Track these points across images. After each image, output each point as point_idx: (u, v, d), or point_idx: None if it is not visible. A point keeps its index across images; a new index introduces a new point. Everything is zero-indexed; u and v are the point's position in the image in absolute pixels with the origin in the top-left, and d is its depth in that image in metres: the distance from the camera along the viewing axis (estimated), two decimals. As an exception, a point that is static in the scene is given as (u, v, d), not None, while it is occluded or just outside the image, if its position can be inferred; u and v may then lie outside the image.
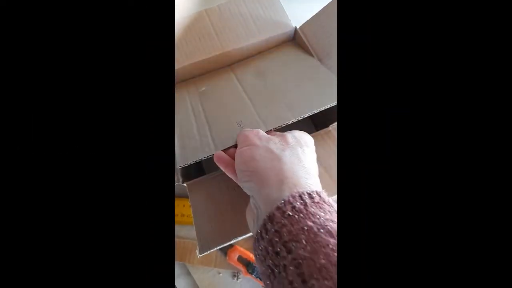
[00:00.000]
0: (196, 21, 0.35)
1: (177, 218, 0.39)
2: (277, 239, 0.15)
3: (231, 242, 0.23)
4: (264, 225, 0.16)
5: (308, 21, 0.35)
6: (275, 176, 0.18)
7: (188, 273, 0.39)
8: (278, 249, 0.15)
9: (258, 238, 0.16)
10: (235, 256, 0.36)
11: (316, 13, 0.34)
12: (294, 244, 0.14)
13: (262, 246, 0.16)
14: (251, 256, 0.36)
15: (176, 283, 0.38)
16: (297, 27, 0.35)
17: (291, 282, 0.14)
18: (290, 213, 0.15)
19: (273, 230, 0.15)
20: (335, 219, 0.15)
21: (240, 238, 0.24)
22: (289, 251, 0.14)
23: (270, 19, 0.35)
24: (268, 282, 0.15)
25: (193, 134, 0.30)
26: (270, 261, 0.15)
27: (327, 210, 0.16)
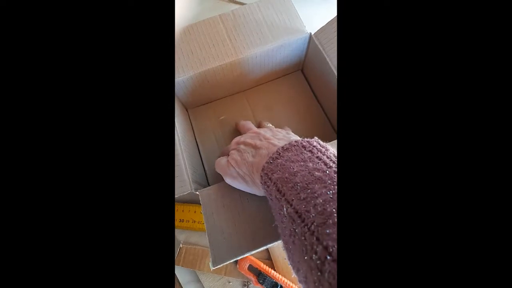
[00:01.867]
0: (210, 26, 0.35)
1: (187, 224, 0.39)
2: (266, 177, 0.22)
3: (245, 255, 0.23)
4: (260, 174, 0.23)
5: (322, 27, 0.34)
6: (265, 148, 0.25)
7: (198, 280, 0.38)
8: (268, 182, 0.22)
9: (262, 183, 0.23)
10: (245, 265, 0.36)
11: (331, 20, 0.33)
12: (273, 174, 0.21)
13: (263, 185, 0.23)
14: (261, 265, 0.35)
15: (185, 290, 0.38)
16: (312, 33, 0.35)
17: (276, 197, 0.21)
18: (271, 161, 0.22)
19: (263, 173, 0.23)
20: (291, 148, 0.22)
21: (254, 252, 0.23)
22: (271, 180, 0.21)
23: (285, 25, 0.34)
24: (271, 205, 0.22)
25: None
26: (265, 191, 0.23)
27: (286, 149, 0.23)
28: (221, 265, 0.23)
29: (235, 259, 0.23)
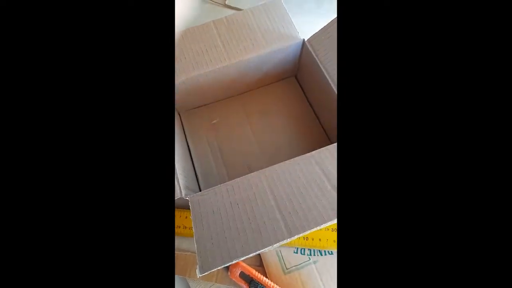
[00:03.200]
0: (203, 32, 0.35)
1: (178, 230, 0.39)
2: None
3: (233, 262, 0.23)
4: None
5: (316, 33, 0.34)
6: None
7: (189, 287, 0.38)
8: None
9: None
10: (237, 272, 0.35)
11: (324, 26, 0.34)
12: None
13: None
14: (253, 272, 0.35)
15: (176, 298, 0.37)
16: (305, 39, 0.35)
17: None
18: None
19: None
20: None
21: (242, 258, 0.23)
22: None
23: (278, 31, 0.34)
24: None
25: (212, 172, 0.39)
26: None
27: None
28: (208, 272, 0.22)
29: (223, 266, 0.23)
